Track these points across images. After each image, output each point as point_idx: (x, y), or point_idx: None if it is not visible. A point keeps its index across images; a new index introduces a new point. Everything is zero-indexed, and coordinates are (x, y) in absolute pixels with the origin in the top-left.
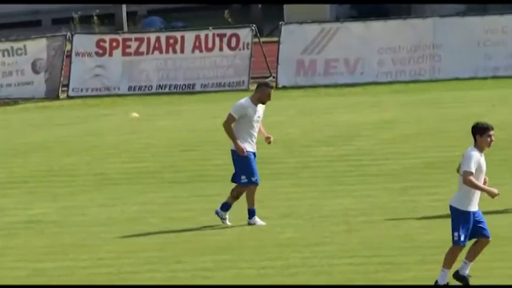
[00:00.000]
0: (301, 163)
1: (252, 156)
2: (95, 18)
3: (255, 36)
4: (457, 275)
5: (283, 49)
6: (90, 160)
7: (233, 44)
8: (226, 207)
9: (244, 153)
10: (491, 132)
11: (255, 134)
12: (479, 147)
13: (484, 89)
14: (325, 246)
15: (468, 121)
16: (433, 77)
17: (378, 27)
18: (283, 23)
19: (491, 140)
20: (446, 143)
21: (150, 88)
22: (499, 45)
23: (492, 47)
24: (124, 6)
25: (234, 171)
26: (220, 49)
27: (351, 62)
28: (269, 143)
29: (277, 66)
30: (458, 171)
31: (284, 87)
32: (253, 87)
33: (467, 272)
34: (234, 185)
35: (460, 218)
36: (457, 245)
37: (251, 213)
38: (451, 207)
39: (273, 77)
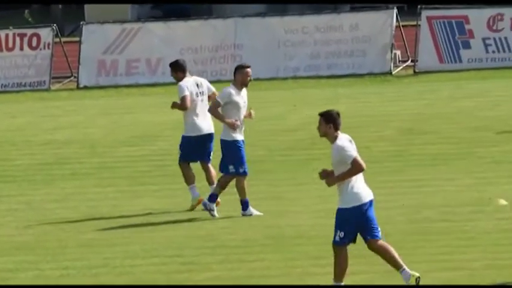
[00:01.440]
0: (103, 163)
1: (242, 146)
2: None
3: (56, 36)
4: None
5: (84, 49)
6: None
7: (34, 43)
8: (213, 198)
9: (235, 126)
10: None
11: (242, 120)
12: None
13: (284, 89)
14: (127, 246)
15: (268, 121)
16: None
17: (179, 28)
18: (84, 22)
19: None
20: (249, 141)
21: None
22: (299, 46)
23: (292, 48)
24: None
25: (221, 160)
26: (21, 49)
27: (153, 62)
28: (250, 116)
29: (78, 66)
30: None
31: (85, 87)
32: (54, 87)
33: None
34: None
35: None
36: None
37: (244, 204)
38: None
39: (74, 77)
